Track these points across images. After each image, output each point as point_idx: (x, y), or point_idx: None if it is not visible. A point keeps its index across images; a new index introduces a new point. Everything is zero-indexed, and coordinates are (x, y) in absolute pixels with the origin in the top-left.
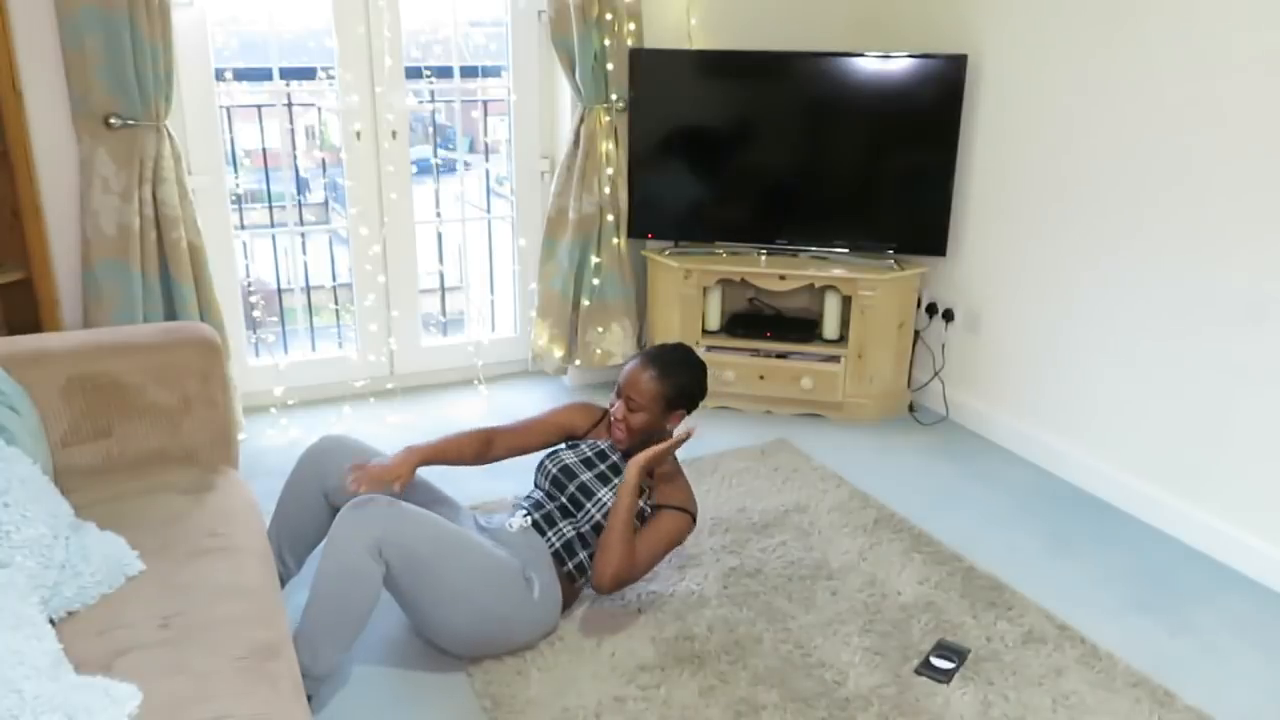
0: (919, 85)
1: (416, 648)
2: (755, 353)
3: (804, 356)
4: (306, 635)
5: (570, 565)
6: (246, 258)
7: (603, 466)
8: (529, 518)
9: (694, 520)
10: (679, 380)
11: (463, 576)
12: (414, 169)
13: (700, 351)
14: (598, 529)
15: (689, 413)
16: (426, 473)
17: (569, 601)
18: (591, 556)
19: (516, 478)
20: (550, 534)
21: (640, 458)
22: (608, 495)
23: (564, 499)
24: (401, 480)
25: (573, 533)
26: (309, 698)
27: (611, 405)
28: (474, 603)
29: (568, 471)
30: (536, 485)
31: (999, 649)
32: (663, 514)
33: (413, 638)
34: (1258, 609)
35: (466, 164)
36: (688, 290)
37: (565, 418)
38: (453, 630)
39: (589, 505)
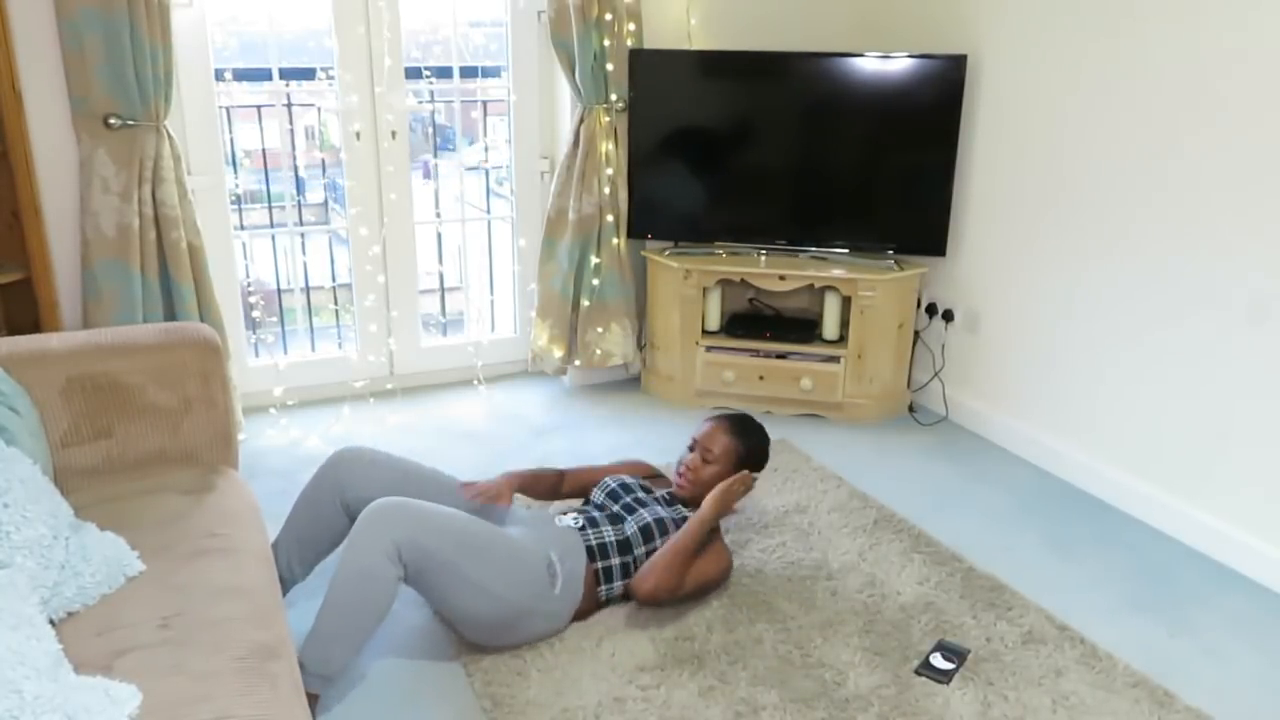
0: (919, 85)
1: (416, 648)
2: (755, 353)
3: (804, 357)
4: (320, 636)
5: (599, 564)
6: (246, 258)
7: (654, 494)
8: (579, 521)
9: (730, 563)
10: (753, 443)
11: (483, 572)
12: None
13: (700, 352)
14: (644, 531)
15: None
16: (445, 466)
17: (589, 608)
18: (623, 565)
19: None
20: (590, 533)
21: (717, 492)
22: (661, 510)
23: (617, 508)
24: (502, 499)
25: (612, 537)
26: (315, 698)
27: (681, 459)
28: (494, 596)
29: (626, 487)
30: (591, 502)
31: (999, 649)
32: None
33: (413, 638)
34: (1258, 609)
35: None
36: (688, 290)
37: (623, 470)
38: (472, 620)
39: (642, 511)
